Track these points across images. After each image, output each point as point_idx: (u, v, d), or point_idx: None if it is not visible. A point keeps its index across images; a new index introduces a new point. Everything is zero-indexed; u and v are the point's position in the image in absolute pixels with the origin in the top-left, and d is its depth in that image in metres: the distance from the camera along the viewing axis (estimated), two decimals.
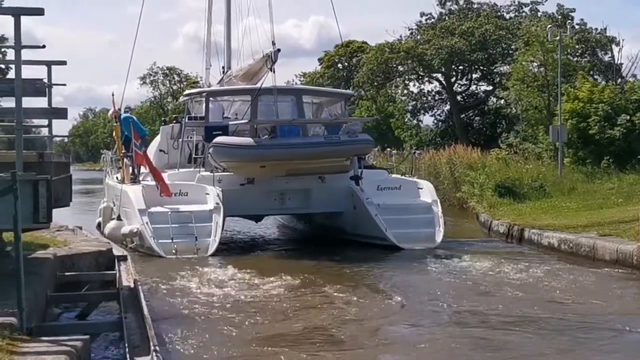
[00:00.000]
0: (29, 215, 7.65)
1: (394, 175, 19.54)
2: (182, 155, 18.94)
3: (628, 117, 27.32)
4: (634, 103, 28.43)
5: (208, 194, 16.60)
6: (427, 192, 17.67)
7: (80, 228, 15.36)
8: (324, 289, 11.82)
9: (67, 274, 10.39)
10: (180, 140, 19.07)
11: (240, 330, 9.14)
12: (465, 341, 8.70)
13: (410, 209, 17.04)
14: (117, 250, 12.51)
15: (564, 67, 31.10)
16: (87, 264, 11.13)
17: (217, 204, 16.25)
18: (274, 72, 17.66)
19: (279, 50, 17.48)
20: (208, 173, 17.27)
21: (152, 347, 6.38)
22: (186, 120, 19.52)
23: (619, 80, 36.97)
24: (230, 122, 17.96)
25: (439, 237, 16.47)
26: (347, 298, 11.11)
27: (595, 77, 39.59)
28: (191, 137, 18.91)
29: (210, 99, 19.05)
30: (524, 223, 18.28)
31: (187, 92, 23.16)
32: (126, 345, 6.79)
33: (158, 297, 11.00)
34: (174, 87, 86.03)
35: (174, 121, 20.92)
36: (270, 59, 17.65)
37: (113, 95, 20.40)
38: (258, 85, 18.35)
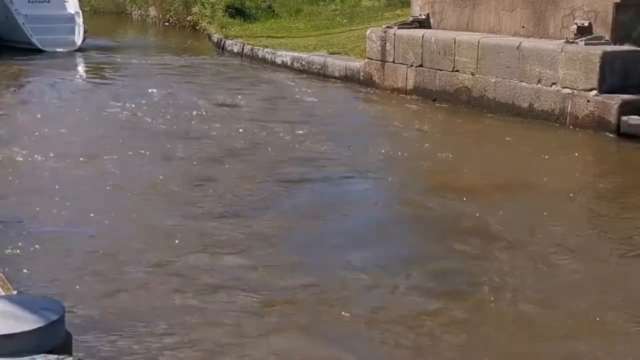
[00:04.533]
0: None
1: None
2: None
3: None
4: None
5: None
6: (71, 5, 20.76)
7: None
8: None
9: None
10: None
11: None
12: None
13: (55, 19, 20.21)
14: None
15: None
16: None
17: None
18: None
19: None
20: None
21: None
22: None
23: None
24: None
25: (78, 42, 19.84)
26: None
27: None
28: None
29: None
30: (257, 42, 18.95)
31: None
32: None
33: None
34: None
35: None
36: None
37: None
38: None
